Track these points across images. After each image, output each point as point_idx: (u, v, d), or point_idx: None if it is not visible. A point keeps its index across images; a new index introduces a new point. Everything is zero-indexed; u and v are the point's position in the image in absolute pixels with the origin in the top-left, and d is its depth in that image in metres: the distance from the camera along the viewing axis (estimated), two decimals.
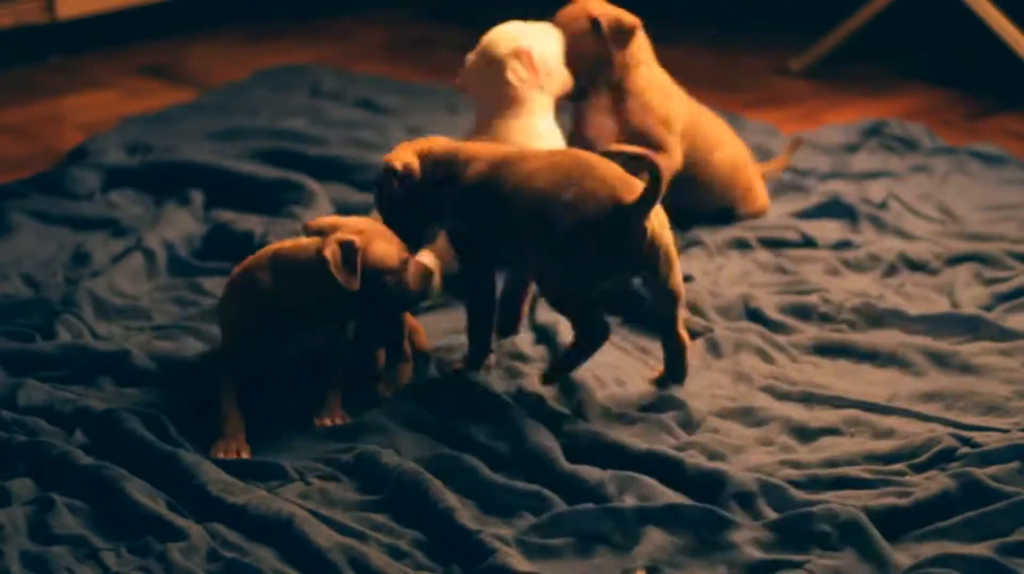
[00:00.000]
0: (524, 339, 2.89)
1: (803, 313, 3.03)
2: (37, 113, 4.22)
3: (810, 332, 2.96)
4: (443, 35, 4.91)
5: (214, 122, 4.01)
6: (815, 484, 2.45)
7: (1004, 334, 2.90)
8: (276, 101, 4.21)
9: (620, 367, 2.82)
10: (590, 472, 2.45)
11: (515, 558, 2.25)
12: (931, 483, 2.43)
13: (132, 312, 3.05)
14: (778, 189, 3.63)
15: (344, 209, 3.45)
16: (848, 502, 2.37)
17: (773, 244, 3.34)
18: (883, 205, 3.50)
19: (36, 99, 4.34)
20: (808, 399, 2.72)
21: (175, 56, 4.70)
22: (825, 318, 3.01)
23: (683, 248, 3.24)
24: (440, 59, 4.67)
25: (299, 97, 4.28)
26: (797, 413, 2.67)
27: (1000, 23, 4.30)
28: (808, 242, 3.34)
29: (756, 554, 2.28)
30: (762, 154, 3.82)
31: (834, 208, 3.50)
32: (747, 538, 2.31)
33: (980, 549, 2.27)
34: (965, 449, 2.52)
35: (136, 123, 4.01)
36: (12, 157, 3.84)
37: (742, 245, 3.32)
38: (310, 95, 4.31)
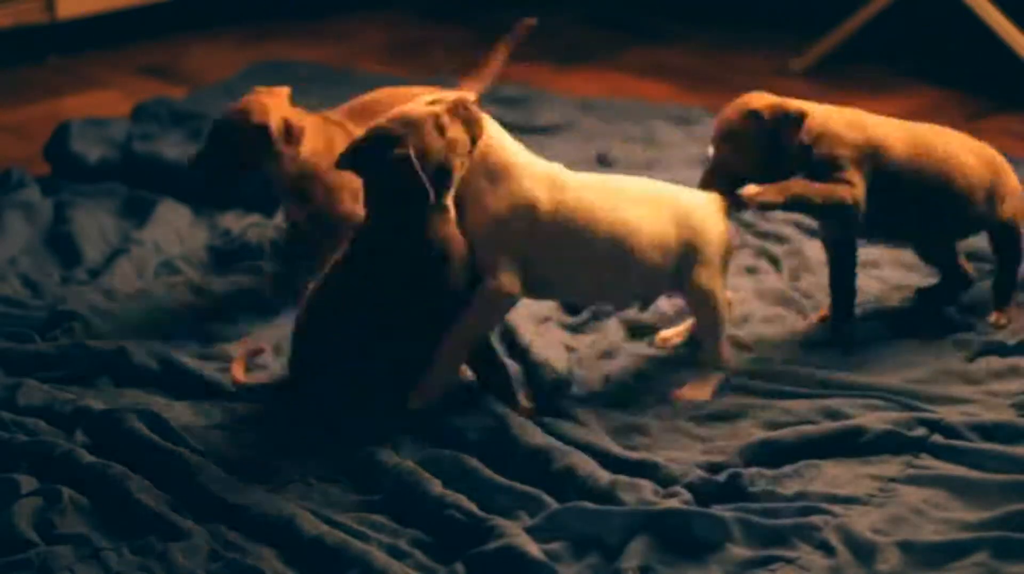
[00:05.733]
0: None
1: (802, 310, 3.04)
2: (37, 113, 4.22)
3: (806, 327, 2.98)
4: (443, 35, 4.92)
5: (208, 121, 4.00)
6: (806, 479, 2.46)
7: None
8: None
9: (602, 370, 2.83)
10: (585, 472, 2.45)
11: (522, 538, 2.26)
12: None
13: (130, 311, 3.05)
14: None
15: None
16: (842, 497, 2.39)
17: (770, 237, 3.36)
18: None
19: (36, 99, 4.34)
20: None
21: (175, 56, 4.71)
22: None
23: None
24: (440, 59, 4.68)
25: (297, 96, 4.28)
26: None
27: (1000, 23, 4.30)
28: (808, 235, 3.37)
29: (747, 553, 2.28)
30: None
31: None
32: (739, 536, 2.31)
33: None
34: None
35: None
36: (12, 157, 3.84)
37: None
38: (306, 94, 4.31)
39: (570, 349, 2.86)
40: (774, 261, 3.26)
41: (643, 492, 2.40)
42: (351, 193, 2.91)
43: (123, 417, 2.57)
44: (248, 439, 2.61)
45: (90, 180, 3.62)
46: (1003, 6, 4.34)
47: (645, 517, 2.33)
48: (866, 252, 3.29)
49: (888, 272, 3.22)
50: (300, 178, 2.96)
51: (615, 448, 2.53)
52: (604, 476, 2.43)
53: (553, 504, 2.38)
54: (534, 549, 2.24)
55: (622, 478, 2.43)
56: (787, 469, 2.48)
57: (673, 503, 2.36)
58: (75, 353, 2.84)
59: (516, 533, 2.28)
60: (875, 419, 2.58)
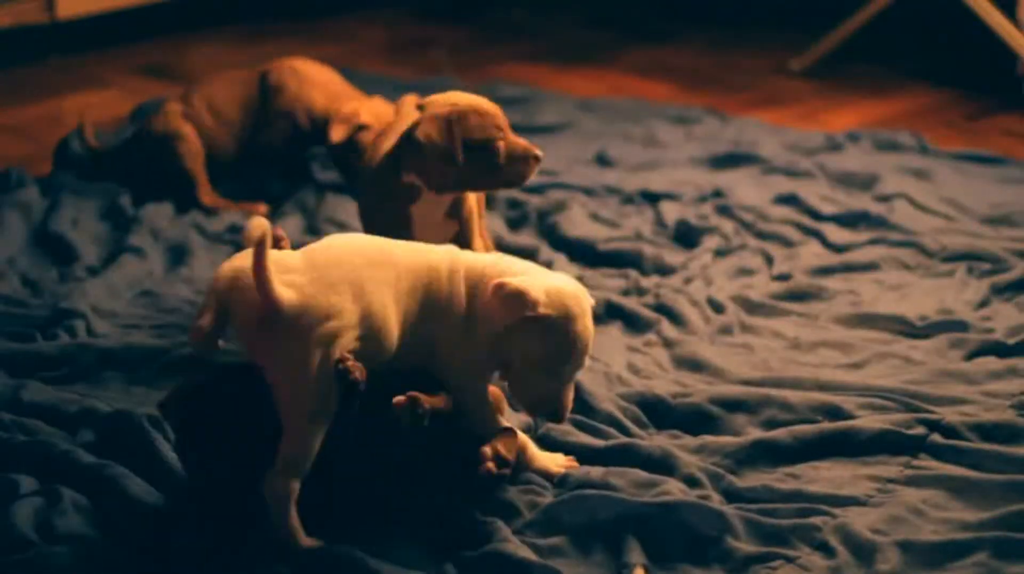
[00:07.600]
0: None
1: (800, 306, 3.04)
2: (37, 113, 4.23)
3: (805, 327, 2.98)
4: (443, 35, 4.92)
5: None
6: (805, 479, 2.47)
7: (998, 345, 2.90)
8: None
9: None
10: (586, 470, 2.45)
11: (513, 545, 2.25)
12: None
13: (130, 310, 3.05)
14: (772, 184, 3.65)
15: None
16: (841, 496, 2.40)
17: (769, 238, 3.37)
18: (886, 199, 3.53)
19: (36, 99, 4.35)
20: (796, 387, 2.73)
21: (175, 56, 4.71)
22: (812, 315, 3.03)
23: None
24: (440, 59, 4.68)
25: None
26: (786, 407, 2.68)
27: (1000, 23, 4.31)
28: (807, 235, 3.37)
29: (749, 549, 2.28)
30: (756, 156, 3.83)
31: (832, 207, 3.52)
32: (740, 533, 2.31)
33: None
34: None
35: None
36: (12, 157, 3.84)
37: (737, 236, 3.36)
38: None
39: None
40: (771, 261, 3.27)
41: (639, 479, 2.40)
42: None
43: (124, 417, 2.57)
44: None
45: (90, 179, 3.62)
46: (1003, 6, 4.34)
47: (643, 507, 2.32)
48: (865, 253, 3.30)
49: (887, 273, 3.23)
50: None
51: (602, 443, 2.53)
52: (597, 470, 2.44)
53: (551, 498, 2.38)
54: (523, 551, 2.24)
55: (615, 469, 2.43)
56: (785, 469, 2.48)
57: (674, 493, 2.36)
58: (76, 352, 2.84)
59: (506, 536, 2.27)
60: (874, 419, 2.58)
